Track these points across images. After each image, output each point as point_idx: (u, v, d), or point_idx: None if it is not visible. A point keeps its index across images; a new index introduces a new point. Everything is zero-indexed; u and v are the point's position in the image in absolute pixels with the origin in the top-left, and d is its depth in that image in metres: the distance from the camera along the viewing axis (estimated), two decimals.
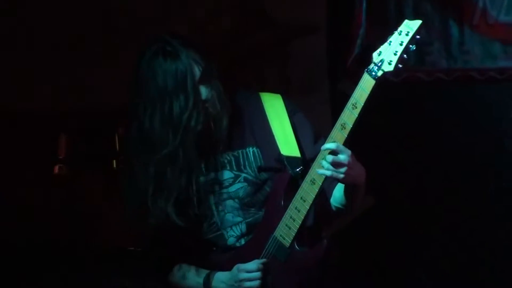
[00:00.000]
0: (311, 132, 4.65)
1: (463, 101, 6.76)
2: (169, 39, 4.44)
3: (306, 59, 6.99)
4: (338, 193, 4.42)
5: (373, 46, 6.64)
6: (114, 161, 6.69)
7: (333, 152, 4.22)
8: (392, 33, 4.21)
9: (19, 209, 6.78)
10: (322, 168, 4.29)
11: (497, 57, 6.88)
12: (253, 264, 4.44)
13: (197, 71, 4.43)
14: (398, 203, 6.96)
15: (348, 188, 4.34)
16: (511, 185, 6.77)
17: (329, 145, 4.23)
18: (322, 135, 4.57)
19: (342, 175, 4.21)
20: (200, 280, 4.53)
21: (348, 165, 4.24)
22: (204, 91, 4.43)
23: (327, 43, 7.16)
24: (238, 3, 6.95)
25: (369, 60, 5.93)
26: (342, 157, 4.22)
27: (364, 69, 5.22)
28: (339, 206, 4.48)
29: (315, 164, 4.30)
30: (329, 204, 4.54)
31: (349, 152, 4.23)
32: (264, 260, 4.50)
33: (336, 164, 4.22)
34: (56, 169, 6.71)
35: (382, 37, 6.51)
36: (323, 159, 4.28)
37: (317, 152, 4.39)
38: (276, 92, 4.80)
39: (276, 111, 4.73)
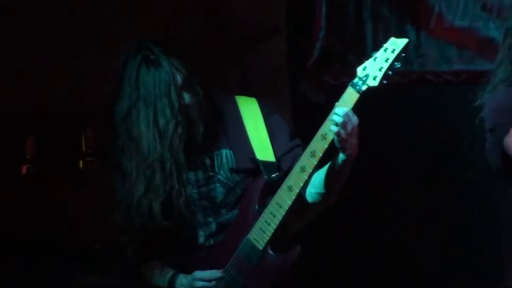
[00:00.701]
0: (288, 130, 4.78)
1: (419, 103, 6.90)
2: (151, 47, 4.60)
3: (267, 61, 7.03)
4: (319, 178, 4.54)
5: (332, 49, 7.08)
6: (81, 161, 6.75)
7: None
8: (378, 49, 4.44)
9: None
10: (334, 127, 4.40)
11: (452, 60, 7.00)
12: (210, 274, 4.59)
13: (179, 79, 4.60)
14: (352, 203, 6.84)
15: (341, 163, 4.43)
16: (466, 186, 6.84)
17: (340, 111, 4.38)
18: (296, 136, 4.79)
19: (344, 134, 4.37)
20: (165, 281, 4.68)
21: (354, 130, 4.38)
22: (186, 96, 4.59)
23: (287, 45, 7.21)
24: (203, 6, 6.97)
25: (329, 65, 7.03)
26: (354, 119, 4.37)
27: (328, 78, 5.56)
28: (318, 192, 4.59)
29: (293, 171, 4.50)
30: (302, 198, 4.64)
31: (357, 119, 4.38)
32: (221, 272, 4.63)
33: (347, 122, 4.39)
34: (24, 169, 6.76)
35: (341, 41, 7.10)
36: (335, 117, 4.40)
37: (290, 148, 4.65)
38: (250, 96, 4.98)
39: (251, 115, 4.89)
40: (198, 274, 4.62)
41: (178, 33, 6.75)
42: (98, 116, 6.21)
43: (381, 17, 7.14)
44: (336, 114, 4.37)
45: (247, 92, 5.40)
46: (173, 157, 4.65)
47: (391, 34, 6.41)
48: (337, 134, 4.37)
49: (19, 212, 6.71)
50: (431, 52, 7.07)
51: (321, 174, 4.61)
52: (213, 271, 4.59)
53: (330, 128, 4.42)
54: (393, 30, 7.10)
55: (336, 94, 4.65)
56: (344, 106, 4.51)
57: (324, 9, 7.07)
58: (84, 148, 6.72)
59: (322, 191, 4.65)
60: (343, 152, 4.46)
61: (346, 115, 4.38)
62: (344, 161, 4.49)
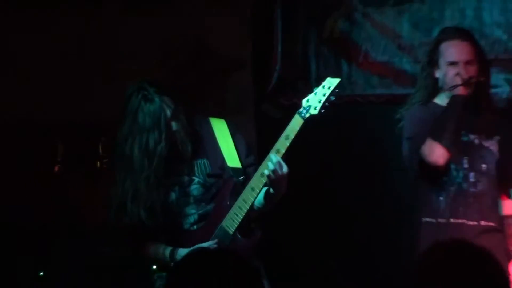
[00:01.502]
0: (246, 148, 5.40)
1: (350, 120, 7.30)
2: (147, 87, 5.14)
3: (237, 86, 7.51)
4: (260, 198, 5.21)
5: (286, 79, 7.67)
6: (98, 162, 7.09)
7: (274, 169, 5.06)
8: (317, 86, 5.15)
9: (25, 200, 7.07)
10: (268, 170, 5.02)
11: (375, 86, 7.52)
12: (209, 244, 5.18)
13: (168, 112, 5.11)
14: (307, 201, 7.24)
15: (272, 195, 5.17)
16: (394, 186, 6.97)
17: (274, 159, 5.03)
18: (252, 152, 5.49)
19: (273, 177, 4.99)
20: (167, 255, 5.17)
21: (283, 176, 5.05)
22: (174, 125, 5.10)
23: (253, 75, 7.70)
24: (185, 48, 7.37)
25: (283, 90, 7.60)
26: (284, 168, 5.00)
27: (284, 103, 6.08)
28: (260, 206, 5.27)
29: (254, 176, 5.11)
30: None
31: (287, 168, 5.02)
32: (215, 242, 5.20)
33: (277, 170, 5.01)
34: (56, 168, 7.11)
35: (292, 72, 7.68)
36: (269, 162, 5.04)
37: (248, 163, 5.38)
38: (220, 117, 5.50)
39: (222, 132, 5.42)
40: (199, 245, 5.15)
41: (166, 69, 7.15)
42: (111, 128, 5.98)
43: (322, 54, 7.66)
44: (270, 161, 5.02)
45: (222, 110, 6.24)
46: (156, 174, 5.19)
47: (330, 67, 7.53)
48: (268, 177, 4.99)
49: (52, 200, 7.10)
50: (359, 80, 7.56)
51: (261, 196, 5.29)
52: (210, 242, 5.15)
53: (262, 172, 5.09)
54: (331, 64, 7.61)
55: (288, 112, 5.39)
56: (291, 133, 5.12)
57: (279, 48, 7.64)
58: (100, 152, 7.06)
59: (261, 206, 5.32)
60: (273, 189, 5.11)
61: (277, 163, 5.00)
62: (272, 195, 5.15)
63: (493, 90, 6.62)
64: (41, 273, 6.70)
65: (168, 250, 5.19)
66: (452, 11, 7.29)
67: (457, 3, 7.28)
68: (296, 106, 5.36)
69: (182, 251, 5.16)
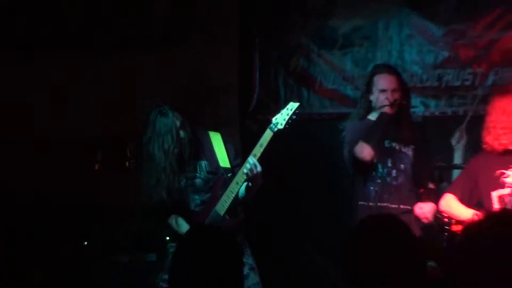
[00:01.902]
0: (234, 153, 5.64)
1: (309, 132, 7.36)
2: (162, 105, 5.47)
3: (227, 107, 7.64)
4: (243, 189, 5.43)
5: (262, 101, 7.79)
6: (127, 163, 7.35)
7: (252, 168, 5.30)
8: (282, 107, 5.43)
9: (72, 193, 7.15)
10: (247, 169, 5.25)
11: (327, 107, 7.76)
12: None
13: (177, 123, 5.41)
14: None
15: (250, 188, 5.42)
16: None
17: (250, 161, 5.26)
18: (238, 156, 5.68)
19: (250, 175, 5.25)
20: (173, 222, 5.49)
21: (258, 174, 5.30)
22: (182, 133, 5.40)
23: (238, 98, 7.86)
24: (191, 77, 7.38)
25: (261, 110, 7.71)
26: (258, 168, 5.25)
27: (261, 119, 6.76)
28: (243, 195, 5.48)
29: (238, 173, 5.40)
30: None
31: (260, 168, 5.28)
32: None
33: (253, 169, 5.26)
34: (96, 166, 7.40)
35: (267, 96, 7.80)
36: (247, 164, 5.28)
37: (235, 164, 5.57)
38: (216, 131, 5.75)
39: (217, 141, 5.67)
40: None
41: (175, 93, 7.01)
42: (133, 139, 6.72)
43: (288, 84, 7.90)
44: (248, 163, 5.33)
45: (216, 125, 6.44)
46: (171, 166, 5.45)
47: (294, 93, 7.72)
48: (247, 174, 5.28)
49: (97, 190, 7.29)
50: (315, 102, 7.82)
51: (243, 188, 5.50)
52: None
53: (243, 170, 5.35)
54: (295, 91, 7.85)
55: (264, 127, 5.57)
56: (263, 142, 5.39)
57: (257, 79, 7.91)
58: (128, 155, 7.33)
59: (243, 196, 5.50)
60: (250, 183, 5.38)
61: (253, 164, 5.35)
62: (251, 187, 5.41)
63: (412, 110, 6.78)
64: (86, 243, 6.84)
65: (173, 219, 5.49)
66: (382, 52, 7.52)
67: (386, 46, 7.52)
68: (269, 122, 5.55)
69: (180, 220, 5.49)
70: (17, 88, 7.49)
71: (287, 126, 5.35)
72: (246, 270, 5.39)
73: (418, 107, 7.42)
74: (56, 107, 7.43)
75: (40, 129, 7.41)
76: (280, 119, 5.36)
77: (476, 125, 6.52)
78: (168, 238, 5.61)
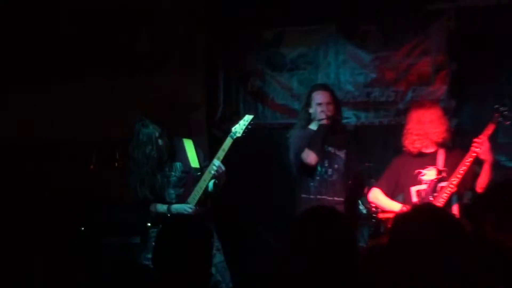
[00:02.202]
0: (203, 156, 5.76)
1: (262, 139, 7.24)
2: (145, 118, 5.58)
3: (196, 119, 7.58)
4: (211, 185, 5.53)
5: (225, 114, 7.69)
6: (116, 163, 7.24)
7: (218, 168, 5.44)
8: (241, 119, 5.58)
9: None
10: (213, 169, 5.38)
11: (278, 118, 7.84)
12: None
13: (157, 133, 5.54)
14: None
15: (217, 184, 5.55)
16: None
17: (216, 163, 5.39)
18: (206, 158, 5.77)
19: (216, 174, 5.42)
20: (165, 208, 5.53)
21: (222, 172, 5.45)
22: (160, 141, 5.53)
23: (206, 112, 7.82)
24: (168, 97, 7.21)
25: (224, 121, 7.53)
26: (222, 168, 5.40)
27: (225, 129, 6.28)
28: (210, 190, 5.57)
29: (206, 172, 5.52)
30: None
31: (223, 167, 5.42)
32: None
33: (218, 169, 5.41)
34: (91, 166, 7.33)
35: (228, 110, 7.72)
36: (213, 165, 5.39)
37: (204, 165, 5.63)
38: (189, 138, 5.84)
39: (189, 146, 5.80)
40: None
41: (156, 107, 6.95)
42: (122, 143, 6.21)
43: (247, 100, 7.95)
44: (213, 164, 5.48)
45: (188, 134, 6.12)
46: (152, 169, 5.55)
47: (251, 108, 7.74)
48: (214, 174, 5.41)
49: (92, 191, 7.09)
50: (268, 115, 7.92)
51: (211, 184, 5.59)
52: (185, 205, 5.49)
53: (210, 170, 5.48)
54: (252, 106, 7.92)
55: (226, 136, 5.75)
56: (225, 147, 5.53)
57: (222, 95, 7.93)
58: (117, 157, 7.21)
59: (212, 190, 5.58)
60: (216, 180, 5.52)
61: (218, 165, 5.51)
62: (216, 184, 5.54)
63: (345, 120, 7.12)
64: (82, 228, 6.84)
65: (165, 206, 5.54)
66: (322, 74, 7.71)
67: (325, 70, 7.71)
68: (230, 131, 5.71)
69: (176, 205, 5.53)
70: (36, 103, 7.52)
71: (244, 134, 5.55)
72: (213, 251, 5.15)
73: (351, 118, 7.67)
74: (59, 117, 7.51)
75: (46, 135, 7.44)
76: (238, 128, 5.55)
77: (397, 132, 6.52)
78: (149, 224, 5.72)
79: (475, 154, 5.58)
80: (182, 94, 7.45)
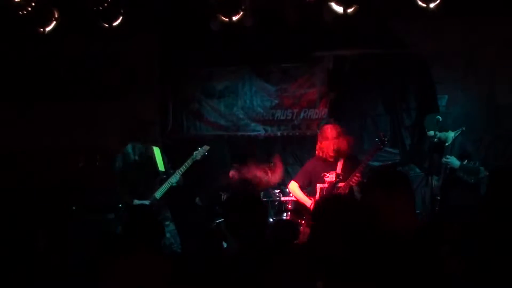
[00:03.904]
0: (166, 161, 6.40)
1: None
2: (127, 145, 6.20)
3: (153, 131, 7.56)
4: (175, 185, 6.07)
5: (174, 128, 8.49)
6: (96, 162, 7.96)
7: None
8: (201, 147, 6.31)
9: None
10: (175, 181, 6.07)
11: (210, 131, 8.60)
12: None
13: (134, 156, 6.22)
14: None
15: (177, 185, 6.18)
16: None
17: (176, 177, 6.04)
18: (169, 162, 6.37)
19: (177, 183, 6.14)
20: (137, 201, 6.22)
21: (181, 180, 6.19)
22: (137, 157, 6.21)
23: (159, 127, 8.46)
24: (133, 117, 7.38)
25: (172, 133, 8.42)
26: (181, 179, 6.10)
27: (173, 138, 7.59)
28: (175, 185, 6.20)
29: (170, 179, 6.17)
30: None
31: (182, 179, 6.07)
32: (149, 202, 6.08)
33: (180, 181, 6.16)
34: (80, 164, 8.01)
35: (176, 126, 8.52)
36: (177, 175, 6.08)
37: (167, 167, 6.31)
38: (157, 146, 6.55)
39: (157, 153, 6.49)
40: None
41: (124, 125, 7.20)
42: (102, 149, 7.63)
43: (189, 118, 8.64)
44: (178, 173, 6.06)
45: (156, 144, 6.89)
46: (131, 179, 6.14)
47: (191, 125, 8.43)
48: (177, 182, 6.12)
49: (81, 182, 7.73)
50: (203, 128, 8.54)
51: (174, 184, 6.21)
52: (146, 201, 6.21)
53: (173, 180, 6.11)
54: (192, 123, 8.55)
55: (175, 144, 6.95)
56: (187, 165, 6.12)
57: (170, 115, 8.63)
58: (98, 158, 7.93)
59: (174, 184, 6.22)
60: (177, 185, 6.22)
61: (179, 179, 6.13)
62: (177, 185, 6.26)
63: (256, 133, 8.47)
64: (74, 208, 7.39)
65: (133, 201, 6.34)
66: (241, 100, 8.61)
67: (243, 97, 8.60)
68: (179, 140, 7.15)
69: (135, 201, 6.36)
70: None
71: (200, 158, 6.43)
72: (168, 222, 6.42)
73: (261, 131, 8.59)
74: (58, 130, 8.25)
75: (47, 144, 8.24)
76: (198, 154, 6.41)
77: (293, 141, 8.08)
78: (120, 205, 6.50)
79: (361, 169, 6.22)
80: (142, 114, 7.88)
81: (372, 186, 3.43)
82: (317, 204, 3.49)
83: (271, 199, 7.39)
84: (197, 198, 7.83)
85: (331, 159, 6.33)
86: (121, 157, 6.34)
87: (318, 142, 6.38)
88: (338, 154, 6.26)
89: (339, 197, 4.34)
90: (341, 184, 6.26)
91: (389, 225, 3.22)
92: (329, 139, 6.24)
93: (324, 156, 6.30)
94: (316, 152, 6.38)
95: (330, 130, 6.25)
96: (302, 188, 6.52)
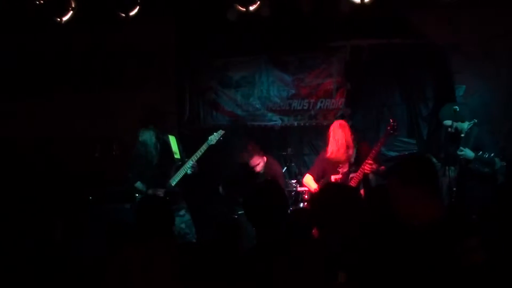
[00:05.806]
0: (182, 149, 6.34)
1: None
2: (142, 129, 6.19)
3: (171, 121, 7.77)
4: (189, 172, 6.02)
5: (190, 118, 8.48)
6: (113, 152, 7.73)
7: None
8: (216, 132, 6.19)
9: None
10: (189, 167, 6.00)
11: (228, 121, 8.45)
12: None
13: (153, 138, 6.19)
14: None
15: (193, 172, 6.05)
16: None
17: (193, 159, 5.97)
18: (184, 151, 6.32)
19: (192, 169, 6.04)
20: (144, 187, 6.23)
21: (196, 166, 6.07)
22: (156, 142, 6.16)
23: (177, 116, 8.42)
24: (151, 106, 7.00)
25: (189, 123, 8.40)
26: (196, 164, 6.00)
27: (190, 128, 7.54)
28: (189, 173, 6.08)
29: (185, 165, 6.14)
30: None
31: (196, 165, 6.00)
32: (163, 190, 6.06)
33: (194, 166, 6.07)
34: (96, 154, 7.90)
35: (193, 115, 8.50)
36: (191, 161, 6.05)
37: (183, 156, 6.28)
38: (172, 134, 6.48)
39: (173, 141, 6.43)
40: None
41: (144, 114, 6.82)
42: (118, 138, 7.51)
43: (205, 108, 8.54)
44: (192, 160, 6.00)
45: (172, 133, 6.77)
46: (153, 157, 6.12)
47: (208, 114, 8.39)
48: (191, 168, 6.07)
49: (96, 171, 7.68)
50: (220, 118, 8.40)
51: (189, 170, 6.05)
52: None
53: (188, 166, 6.07)
54: (208, 112, 8.48)
55: (193, 133, 6.81)
56: (202, 150, 6.02)
57: (187, 105, 8.59)
58: (114, 148, 7.75)
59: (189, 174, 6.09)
60: (192, 172, 6.14)
61: (195, 163, 6.09)
62: (193, 173, 6.17)
63: (273, 123, 8.36)
64: (90, 198, 7.35)
65: (139, 184, 6.30)
66: (258, 90, 8.51)
67: (260, 87, 8.49)
68: (195, 130, 7.00)
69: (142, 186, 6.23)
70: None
71: (216, 143, 6.39)
72: (184, 212, 6.38)
73: (278, 121, 8.50)
74: (75, 119, 8.26)
75: (66, 135, 8.19)
76: (213, 138, 6.33)
77: (309, 131, 7.96)
78: (137, 195, 6.41)
79: (373, 155, 6.24)
80: (160, 104, 7.56)
81: (403, 178, 3.26)
82: (311, 195, 3.31)
83: (288, 189, 7.32)
84: (220, 188, 7.74)
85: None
86: (141, 143, 6.32)
87: (328, 143, 6.46)
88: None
89: (334, 185, 4.25)
90: (354, 173, 6.29)
91: (410, 216, 3.14)
92: (331, 142, 6.34)
93: (332, 154, 6.39)
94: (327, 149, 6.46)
95: (341, 129, 6.31)
96: (317, 180, 6.54)
